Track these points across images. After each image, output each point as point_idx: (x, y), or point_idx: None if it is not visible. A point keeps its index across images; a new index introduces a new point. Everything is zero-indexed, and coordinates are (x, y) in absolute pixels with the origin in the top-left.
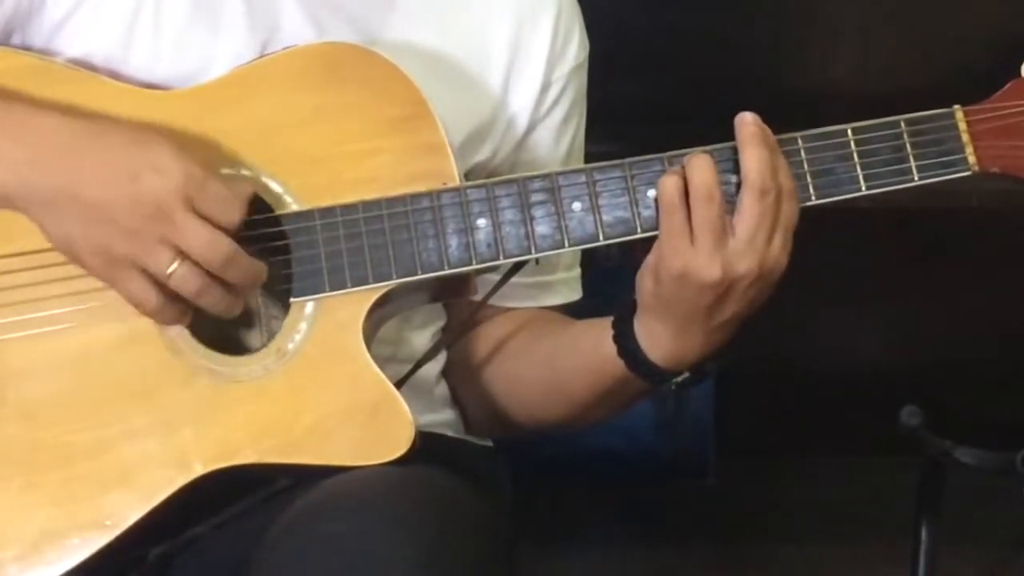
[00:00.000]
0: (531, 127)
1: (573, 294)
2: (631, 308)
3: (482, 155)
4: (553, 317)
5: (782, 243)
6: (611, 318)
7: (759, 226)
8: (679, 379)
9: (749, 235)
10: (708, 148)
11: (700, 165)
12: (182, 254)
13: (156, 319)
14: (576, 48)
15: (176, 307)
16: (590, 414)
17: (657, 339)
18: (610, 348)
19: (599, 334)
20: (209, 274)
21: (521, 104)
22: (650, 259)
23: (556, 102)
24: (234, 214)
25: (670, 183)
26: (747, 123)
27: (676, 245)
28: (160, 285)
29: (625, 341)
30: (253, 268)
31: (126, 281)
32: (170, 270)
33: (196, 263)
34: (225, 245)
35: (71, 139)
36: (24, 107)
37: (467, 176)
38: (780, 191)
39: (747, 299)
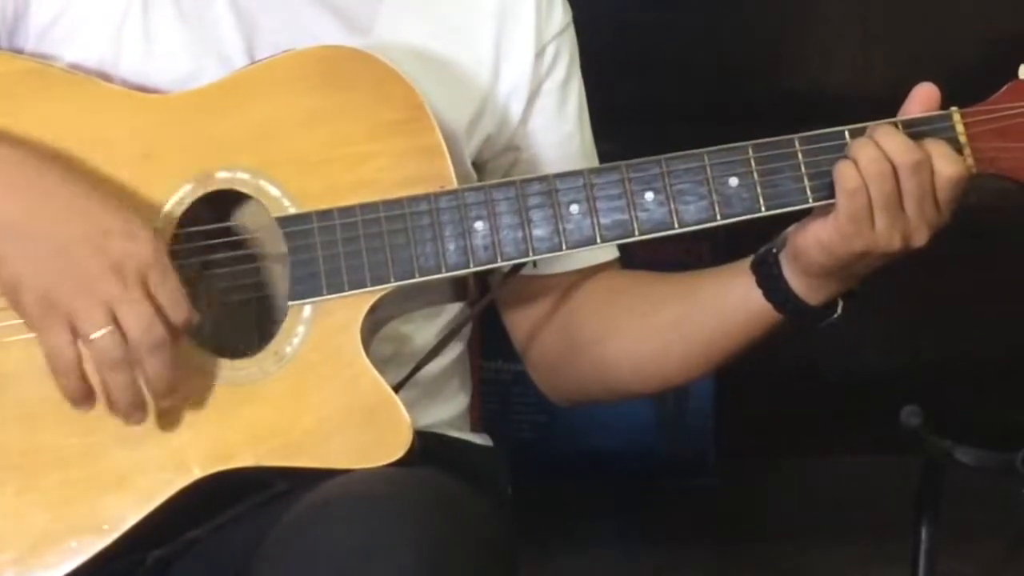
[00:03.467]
0: (533, 94)
1: (616, 249)
2: (775, 264)
3: (486, 131)
4: (645, 280)
5: (947, 201)
6: (742, 273)
7: (923, 198)
8: (836, 315)
9: (917, 209)
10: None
11: (866, 144)
12: (116, 324)
13: (58, 379)
14: (561, 10)
15: (81, 379)
16: (727, 361)
17: (817, 290)
18: (761, 305)
19: (741, 293)
20: (128, 359)
21: (517, 74)
22: (823, 237)
23: (553, 65)
24: (182, 312)
25: (849, 167)
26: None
27: (860, 228)
28: (80, 347)
29: (785, 301)
30: (172, 370)
31: (51, 330)
32: (97, 333)
33: (125, 339)
34: (161, 333)
35: (43, 179)
36: None
37: (478, 153)
38: (930, 158)
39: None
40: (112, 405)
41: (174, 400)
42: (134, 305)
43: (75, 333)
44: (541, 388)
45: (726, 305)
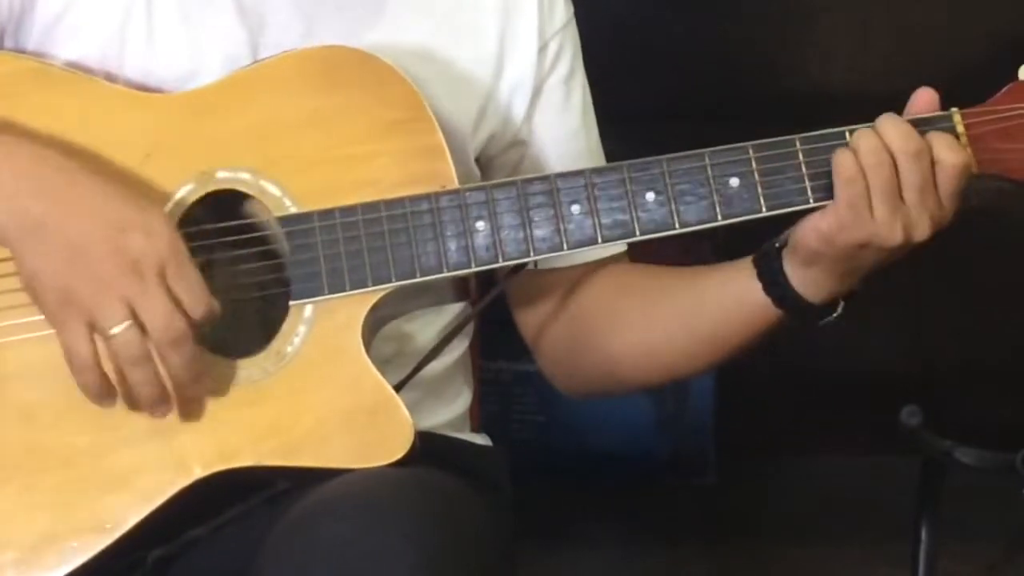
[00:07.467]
0: (537, 89)
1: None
2: (776, 258)
3: (490, 127)
4: (651, 273)
5: (949, 193)
6: (745, 266)
7: (924, 188)
8: (836, 314)
9: (918, 199)
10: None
11: (866, 134)
12: (136, 320)
13: (78, 376)
14: (563, 5)
15: (101, 376)
16: (732, 356)
17: (817, 286)
18: (761, 298)
19: (742, 286)
20: (150, 354)
21: (521, 70)
22: (823, 226)
23: (556, 60)
24: (201, 304)
25: (847, 156)
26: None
27: (858, 216)
28: (99, 344)
29: (784, 296)
30: (194, 363)
31: (70, 327)
32: (118, 329)
33: (145, 334)
34: (181, 327)
35: (63, 175)
36: (14, 137)
37: (483, 150)
38: (930, 148)
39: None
40: (135, 400)
41: (195, 392)
42: (152, 300)
43: (94, 329)
44: (551, 381)
45: (728, 298)
